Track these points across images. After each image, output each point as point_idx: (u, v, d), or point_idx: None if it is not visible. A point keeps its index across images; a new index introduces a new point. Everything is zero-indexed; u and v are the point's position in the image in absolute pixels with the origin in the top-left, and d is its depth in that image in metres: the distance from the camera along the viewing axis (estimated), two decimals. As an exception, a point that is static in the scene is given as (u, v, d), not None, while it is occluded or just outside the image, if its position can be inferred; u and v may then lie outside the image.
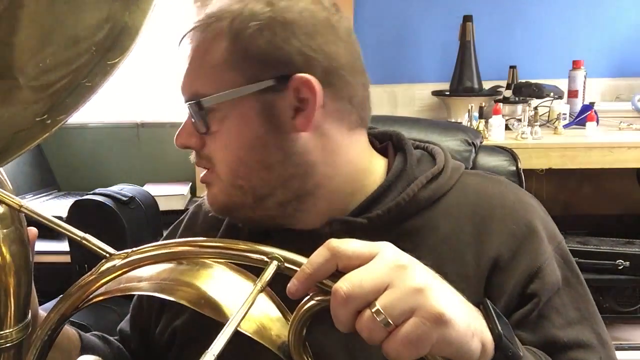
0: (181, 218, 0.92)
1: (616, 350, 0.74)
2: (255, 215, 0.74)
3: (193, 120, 0.72)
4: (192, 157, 0.76)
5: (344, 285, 0.47)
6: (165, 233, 0.96)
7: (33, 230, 0.62)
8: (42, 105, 0.41)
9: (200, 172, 0.77)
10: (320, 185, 0.73)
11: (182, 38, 0.75)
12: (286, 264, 0.51)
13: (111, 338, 0.88)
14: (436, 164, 0.78)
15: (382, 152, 0.81)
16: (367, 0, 2.45)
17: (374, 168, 0.77)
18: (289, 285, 0.50)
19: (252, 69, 0.69)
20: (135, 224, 1.74)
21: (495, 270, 0.71)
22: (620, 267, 1.96)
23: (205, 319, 0.53)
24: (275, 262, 0.51)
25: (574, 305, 0.72)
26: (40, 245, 1.83)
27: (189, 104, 0.72)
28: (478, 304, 0.55)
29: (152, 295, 0.56)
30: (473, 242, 0.72)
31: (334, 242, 0.49)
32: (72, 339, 0.77)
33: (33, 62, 0.38)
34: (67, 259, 1.78)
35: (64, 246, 1.75)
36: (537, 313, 0.69)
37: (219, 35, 0.70)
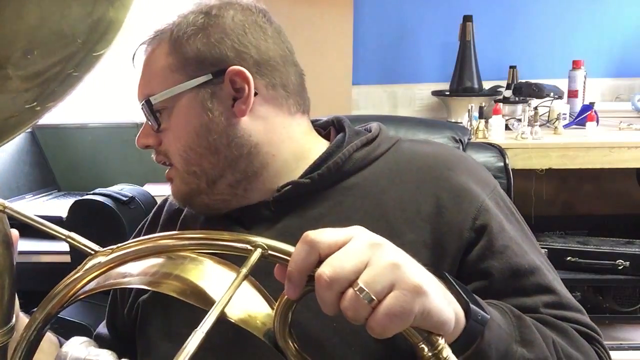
0: (147, 217, 0.97)
1: (616, 350, 0.76)
2: (211, 201, 0.81)
3: (147, 121, 0.82)
4: (153, 156, 0.85)
5: (326, 269, 0.49)
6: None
7: (15, 232, 0.62)
8: (31, 93, 0.42)
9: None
10: (266, 164, 0.81)
11: (134, 54, 0.85)
12: (270, 252, 0.53)
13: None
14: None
15: (327, 138, 0.89)
16: (367, 0, 2.45)
17: (317, 147, 0.84)
18: (286, 291, 0.52)
19: (191, 68, 0.79)
20: (135, 224, 1.73)
21: (440, 212, 0.76)
22: (620, 267, 1.96)
23: (167, 295, 0.55)
24: (259, 250, 0.53)
25: (520, 237, 0.77)
26: (40, 245, 1.84)
27: (142, 105, 0.81)
28: (437, 274, 0.58)
29: (132, 287, 0.57)
30: (412, 190, 0.78)
31: (311, 235, 0.51)
32: (53, 342, 0.78)
33: (21, 54, 0.40)
34: (67, 259, 1.78)
35: (64, 246, 1.75)
36: (499, 243, 0.74)
37: (162, 43, 0.81)
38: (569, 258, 1.99)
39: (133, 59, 0.85)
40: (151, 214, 0.96)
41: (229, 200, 0.82)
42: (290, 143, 0.82)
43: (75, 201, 1.80)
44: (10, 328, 0.58)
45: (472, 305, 0.57)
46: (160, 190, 2.19)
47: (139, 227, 0.97)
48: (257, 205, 0.81)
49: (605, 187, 2.41)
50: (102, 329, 0.93)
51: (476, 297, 0.60)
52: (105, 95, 2.42)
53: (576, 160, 1.92)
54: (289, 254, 0.52)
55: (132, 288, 0.86)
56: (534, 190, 2.18)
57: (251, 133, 0.80)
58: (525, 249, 0.76)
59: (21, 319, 0.65)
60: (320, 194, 0.79)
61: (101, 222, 1.73)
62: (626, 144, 1.91)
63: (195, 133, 0.79)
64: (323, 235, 0.51)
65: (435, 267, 0.63)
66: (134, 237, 0.92)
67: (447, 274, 0.60)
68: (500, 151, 1.16)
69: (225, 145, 0.79)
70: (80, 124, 2.51)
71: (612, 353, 0.74)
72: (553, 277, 0.76)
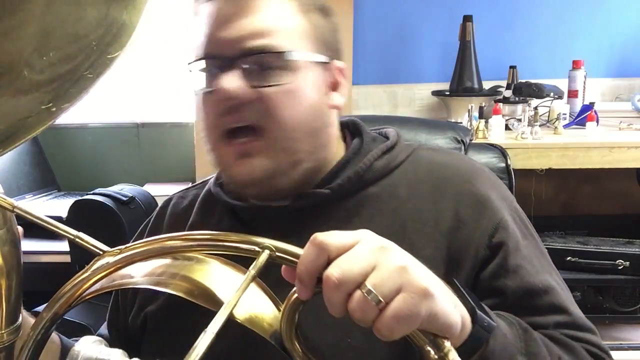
0: (149, 218, 0.94)
1: (616, 350, 0.76)
2: (275, 188, 0.77)
3: (261, 69, 0.73)
4: (227, 118, 0.74)
5: (334, 271, 0.49)
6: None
7: (19, 229, 0.62)
8: (47, 94, 0.43)
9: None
10: (326, 160, 0.80)
11: None
12: (277, 253, 0.52)
13: None
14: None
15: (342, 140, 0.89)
16: (367, 0, 2.45)
17: (338, 151, 0.83)
18: (297, 292, 0.52)
19: (318, 42, 0.77)
20: (135, 224, 1.73)
21: (458, 227, 0.75)
22: (620, 267, 1.96)
23: (178, 306, 0.55)
24: (267, 252, 0.52)
25: (535, 256, 0.77)
26: (40, 245, 1.84)
27: (267, 53, 0.73)
28: (445, 279, 0.58)
29: (133, 288, 0.57)
30: (430, 203, 0.77)
31: (320, 237, 0.51)
32: (55, 341, 0.78)
33: (37, 56, 0.41)
34: (67, 259, 1.78)
35: (64, 246, 1.75)
36: (513, 262, 0.74)
37: (289, 6, 0.76)
38: (569, 258, 1.99)
39: None
40: (153, 215, 0.94)
41: (286, 190, 0.78)
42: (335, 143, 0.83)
43: (75, 201, 1.81)
44: (16, 327, 0.58)
45: (478, 311, 0.57)
46: (161, 190, 2.19)
47: (141, 228, 0.95)
48: (274, 211, 0.79)
49: (605, 187, 2.41)
50: (104, 330, 0.93)
51: (483, 304, 0.60)
52: (105, 95, 2.42)
53: (576, 160, 1.92)
54: (296, 255, 0.52)
55: (135, 296, 0.85)
56: (534, 190, 2.18)
57: (334, 126, 0.81)
58: (539, 267, 0.75)
59: (25, 318, 0.65)
60: (337, 203, 0.79)
61: (101, 222, 1.73)
62: (626, 144, 1.91)
63: (306, 108, 0.75)
64: (332, 238, 0.51)
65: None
66: (136, 239, 0.91)
67: (455, 280, 0.60)
68: (502, 152, 1.16)
69: (320, 129, 0.78)
70: (80, 124, 2.51)
71: (612, 353, 0.74)
72: (566, 297, 0.75)
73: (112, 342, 0.89)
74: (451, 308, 0.53)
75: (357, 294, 0.49)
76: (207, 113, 0.76)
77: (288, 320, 0.53)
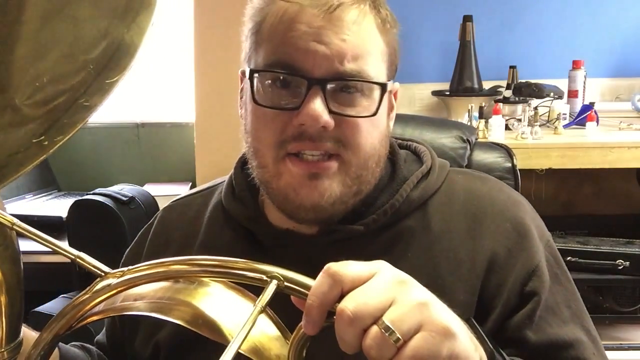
0: (149, 223, 0.90)
1: (616, 350, 0.75)
2: (335, 212, 0.72)
3: (347, 93, 0.68)
4: (309, 146, 0.68)
5: (349, 304, 0.46)
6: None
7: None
8: (38, 125, 0.39)
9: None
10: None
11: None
12: (286, 283, 0.49)
13: (90, 346, 0.86)
14: (422, 162, 0.79)
15: None
16: (367, 0, 2.45)
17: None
18: (304, 326, 0.48)
19: (389, 63, 0.73)
20: (135, 224, 1.74)
21: (492, 269, 0.71)
22: (620, 267, 1.96)
23: (189, 332, 0.52)
24: (274, 282, 0.49)
25: (565, 304, 0.73)
26: (40, 245, 1.83)
27: (369, 81, 0.68)
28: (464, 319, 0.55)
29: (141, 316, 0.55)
30: (466, 240, 0.73)
31: (334, 267, 0.48)
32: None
33: (29, 79, 0.37)
34: (67, 259, 1.77)
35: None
36: (541, 313, 0.70)
37: (366, 11, 0.70)
38: (569, 258, 1.99)
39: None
40: (154, 223, 0.88)
41: (337, 217, 0.72)
42: None
43: (75, 201, 1.81)
44: (17, 344, 0.57)
45: (497, 355, 0.54)
46: (160, 190, 2.19)
47: (140, 235, 0.90)
48: (300, 239, 0.74)
49: (605, 187, 2.41)
50: (102, 337, 0.89)
51: (499, 348, 0.58)
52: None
53: (576, 160, 1.92)
54: (307, 287, 0.49)
55: (132, 320, 0.80)
56: (534, 190, 2.18)
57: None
58: (567, 317, 0.71)
59: (27, 334, 0.62)
60: (368, 236, 0.73)
61: (101, 222, 1.73)
62: (626, 144, 1.91)
63: (381, 135, 0.72)
64: (347, 269, 0.48)
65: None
66: (135, 246, 0.89)
67: (472, 319, 0.56)
68: (508, 152, 1.13)
69: (383, 158, 0.74)
70: (80, 124, 2.51)
71: (612, 353, 0.74)
72: (593, 352, 0.71)
73: (110, 353, 0.87)
74: (472, 349, 0.50)
75: (374, 329, 0.45)
76: (274, 130, 0.68)
77: (296, 353, 0.50)
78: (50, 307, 1.70)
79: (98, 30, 0.38)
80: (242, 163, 0.82)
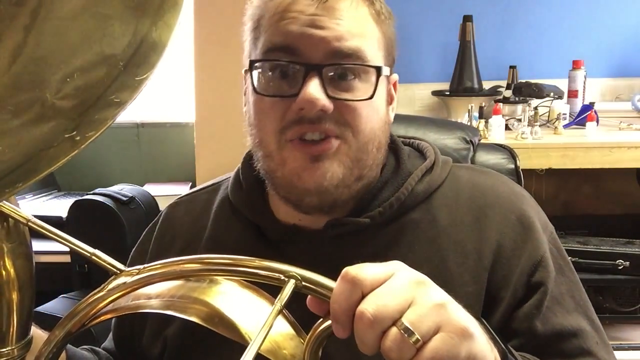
0: (154, 221, 0.90)
1: (616, 350, 0.76)
2: (340, 197, 0.72)
3: (345, 78, 0.69)
4: (310, 127, 0.69)
5: (369, 306, 0.46)
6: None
7: None
8: (70, 120, 0.40)
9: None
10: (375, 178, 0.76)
11: None
12: (304, 283, 0.49)
13: (99, 349, 0.85)
14: (426, 158, 0.80)
15: None
16: (367, 0, 2.45)
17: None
18: (334, 331, 0.48)
19: (387, 52, 0.75)
20: (135, 224, 1.74)
21: (499, 261, 0.72)
22: (620, 267, 1.96)
23: (197, 327, 0.52)
24: (292, 281, 0.49)
25: (569, 294, 0.74)
26: (40, 245, 1.83)
27: (365, 65, 0.70)
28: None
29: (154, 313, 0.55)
30: (472, 233, 0.74)
31: (352, 272, 0.48)
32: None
33: (60, 76, 0.37)
34: (67, 259, 1.78)
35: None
36: (547, 303, 0.71)
37: (369, 14, 0.73)
38: (569, 258, 1.99)
39: None
40: (159, 221, 0.88)
41: (342, 204, 0.73)
42: None
43: (75, 201, 1.81)
44: (27, 342, 0.57)
45: (509, 355, 0.55)
46: (160, 190, 2.19)
47: (145, 234, 0.90)
48: (307, 233, 0.75)
49: (605, 187, 2.41)
50: (109, 344, 0.88)
51: (509, 346, 0.58)
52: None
53: (576, 160, 1.92)
54: (324, 286, 0.49)
55: (139, 315, 0.82)
56: (534, 190, 2.18)
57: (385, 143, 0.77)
58: (571, 307, 0.73)
59: (36, 332, 0.62)
60: (376, 230, 0.74)
61: (101, 222, 1.73)
62: (626, 144, 1.91)
63: (381, 121, 0.73)
64: (365, 272, 0.48)
65: (487, 319, 0.60)
66: (139, 246, 0.89)
67: (482, 319, 0.57)
68: (511, 153, 1.14)
69: (383, 145, 0.75)
70: (80, 124, 2.51)
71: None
72: (597, 340, 0.72)
73: (118, 355, 0.86)
74: (488, 350, 0.50)
75: (393, 331, 0.46)
76: (275, 117, 0.70)
77: (312, 353, 0.50)
78: (51, 307, 1.70)
79: (127, 29, 0.38)
80: (249, 158, 0.83)
